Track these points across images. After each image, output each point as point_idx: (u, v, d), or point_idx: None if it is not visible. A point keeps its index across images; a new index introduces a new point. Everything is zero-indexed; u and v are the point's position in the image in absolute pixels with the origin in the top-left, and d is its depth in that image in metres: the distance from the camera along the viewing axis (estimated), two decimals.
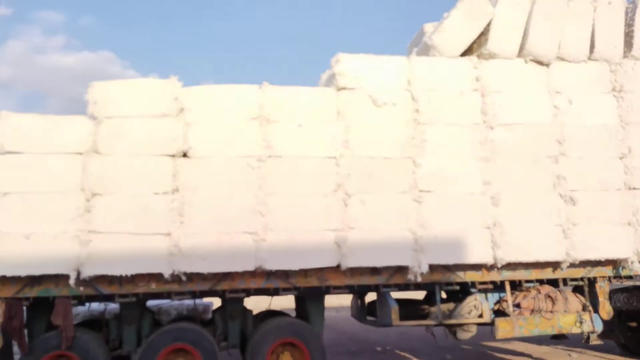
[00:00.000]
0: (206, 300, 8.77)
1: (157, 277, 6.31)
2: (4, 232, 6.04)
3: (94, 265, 6.08)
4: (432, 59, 7.44)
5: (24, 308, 6.46)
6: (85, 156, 6.38)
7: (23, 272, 6.04)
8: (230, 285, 6.57)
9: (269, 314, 7.56)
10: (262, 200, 6.50)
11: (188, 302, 8.44)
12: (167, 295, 6.64)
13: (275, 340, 6.70)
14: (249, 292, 6.79)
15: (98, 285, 6.31)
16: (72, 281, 6.05)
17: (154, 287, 6.40)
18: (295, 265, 6.51)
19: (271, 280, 6.64)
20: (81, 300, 6.59)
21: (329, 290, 6.93)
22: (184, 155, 6.57)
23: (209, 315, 8.20)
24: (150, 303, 7.70)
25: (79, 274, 6.07)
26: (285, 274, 6.64)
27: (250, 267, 6.37)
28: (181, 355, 6.57)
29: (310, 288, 6.82)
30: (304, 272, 6.68)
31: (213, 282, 6.51)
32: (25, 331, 6.53)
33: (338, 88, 7.06)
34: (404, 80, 7.18)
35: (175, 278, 6.29)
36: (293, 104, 6.91)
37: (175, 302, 8.39)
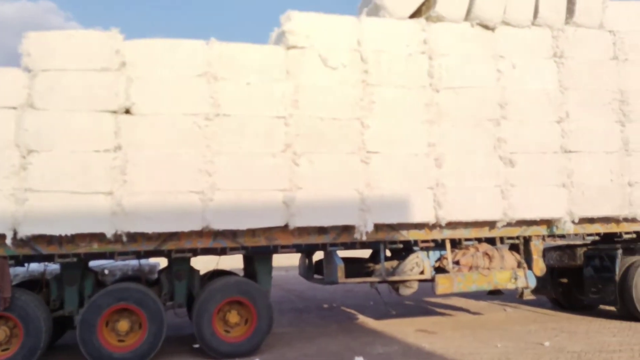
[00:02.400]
0: (153, 260, 8.70)
1: (99, 237, 6.16)
2: None
3: (31, 224, 5.87)
4: (381, 20, 7.41)
5: None
6: (20, 111, 6.07)
7: None
8: (177, 245, 6.51)
9: (217, 273, 7.56)
10: (209, 159, 6.41)
11: (134, 262, 8.34)
12: (111, 255, 6.51)
13: (223, 299, 6.73)
14: (196, 252, 6.76)
15: (36, 245, 6.11)
16: (8, 241, 5.84)
17: (95, 247, 6.26)
18: (243, 225, 6.51)
19: (219, 240, 6.62)
20: (19, 260, 6.37)
21: (276, 249, 6.99)
22: (127, 111, 6.36)
23: (155, 276, 8.14)
24: (95, 263, 7.56)
25: (15, 233, 5.85)
26: (232, 234, 6.64)
27: (197, 227, 6.32)
28: (125, 315, 6.51)
29: (258, 247, 6.86)
30: (252, 232, 6.70)
31: (158, 242, 6.43)
32: None
33: (288, 47, 6.96)
34: (354, 40, 7.15)
35: (119, 238, 6.17)
36: (242, 62, 6.77)
37: (120, 263, 8.26)
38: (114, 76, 6.33)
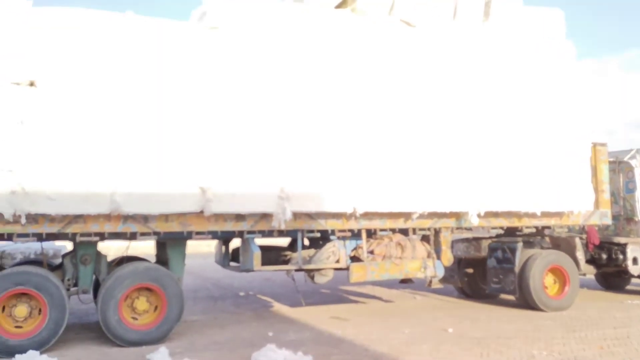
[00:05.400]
0: (58, 243, 8.24)
1: None
2: None
3: None
4: (305, 7, 7.38)
5: None
6: None
7: None
8: (82, 229, 6.19)
9: (126, 259, 7.27)
10: (121, 139, 6.12)
11: (37, 245, 7.88)
12: (9, 237, 6.08)
13: (131, 285, 6.48)
14: (103, 236, 6.44)
15: None
16: None
17: None
18: (155, 210, 6.29)
19: (128, 224, 6.36)
20: None
21: (190, 235, 6.80)
22: (31, 84, 5.93)
23: (59, 260, 7.72)
24: None
25: None
26: (144, 218, 6.39)
27: (104, 210, 6.04)
28: (24, 300, 6.13)
29: (170, 233, 6.65)
30: (165, 217, 6.49)
31: (62, 224, 6.08)
32: None
33: (211, 27, 6.77)
34: (278, 25, 7.07)
35: (18, 219, 5.78)
36: (160, 39, 6.51)
37: (22, 245, 7.78)
38: (18, 45, 5.89)
